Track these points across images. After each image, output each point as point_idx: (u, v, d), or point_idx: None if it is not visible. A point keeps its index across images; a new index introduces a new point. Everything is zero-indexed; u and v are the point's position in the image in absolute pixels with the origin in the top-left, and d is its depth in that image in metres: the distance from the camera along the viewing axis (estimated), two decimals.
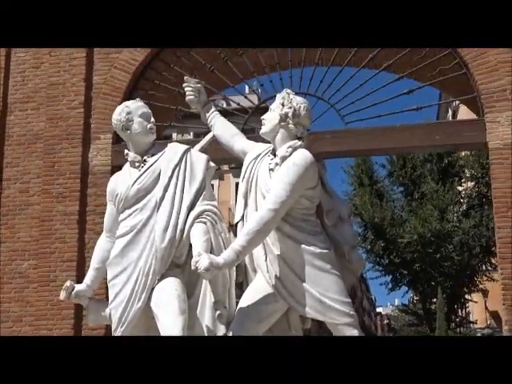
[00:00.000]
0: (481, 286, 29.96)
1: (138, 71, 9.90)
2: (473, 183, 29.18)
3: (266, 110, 5.17)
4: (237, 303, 5.01)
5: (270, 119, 5.11)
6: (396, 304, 60.53)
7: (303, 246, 4.81)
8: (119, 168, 5.64)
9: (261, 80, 10.26)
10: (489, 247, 26.53)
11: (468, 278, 29.87)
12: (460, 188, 30.56)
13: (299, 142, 4.99)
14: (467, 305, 37.04)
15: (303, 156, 4.87)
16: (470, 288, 30.94)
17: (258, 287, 4.92)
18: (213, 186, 22.29)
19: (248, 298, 4.91)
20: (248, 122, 9.35)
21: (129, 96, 9.69)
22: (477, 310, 34.73)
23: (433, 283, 30.21)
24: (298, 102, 5.09)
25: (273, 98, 5.67)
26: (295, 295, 4.80)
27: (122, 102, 9.17)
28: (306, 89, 9.34)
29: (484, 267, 29.82)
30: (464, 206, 29.90)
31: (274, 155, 5.04)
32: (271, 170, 4.99)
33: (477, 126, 8.68)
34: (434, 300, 30.15)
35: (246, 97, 9.79)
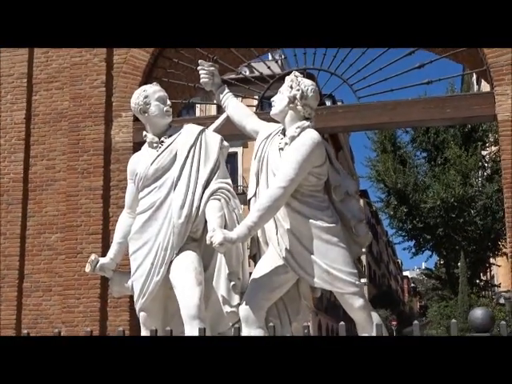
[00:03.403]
0: (504, 250, 29.86)
1: (156, 50, 9.96)
2: (497, 147, 28.82)
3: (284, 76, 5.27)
4: (250, 274, 5.28)
5: (279, 101, 5.33)
6: (422, 267, 60.41)
7: (311, 220, 5.06)
8: (140, 144, 5.85)
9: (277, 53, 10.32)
10: None
11: (492, 242, 29.72)
12: (484, 153, 30.29)
13: (307, 123, 5.20)
14: (491, 268, 36.99)
15: (311, 136, 5.09)
16: (493, 252, 30.80)
17: (270, 259, 5.18)
18: (237, 153, 22.45)
19: (260, 269, 5.18)
20: (271, 88, 9.45)
21: (148, 74, 9.85)
22: (501, 274, 34.68)
23: (456, 247, 30.23)
24: (306, 84, 5.28)
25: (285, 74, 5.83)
26: (304, 266, 5.06)
27: (141, 81, 9.60)
28: (320, 64, 9.42)
29: None
30: (488, 171, 29.72)
31: (284, 135, 5.25)
32: (281, 149, 5.22)
33: (486, 99, 8.72)
34: (458, 264, 30.18)
35: (269, 67, 9.83)
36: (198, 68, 5.77)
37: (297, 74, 5.45)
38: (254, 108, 9.75)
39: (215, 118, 6.03)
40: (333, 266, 5.03)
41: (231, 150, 6.29)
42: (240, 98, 10.91)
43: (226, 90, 5.84)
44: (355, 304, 5.05)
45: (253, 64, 10.66)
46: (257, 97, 9.99)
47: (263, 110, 9.61)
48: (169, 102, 5.62)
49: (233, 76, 10.88)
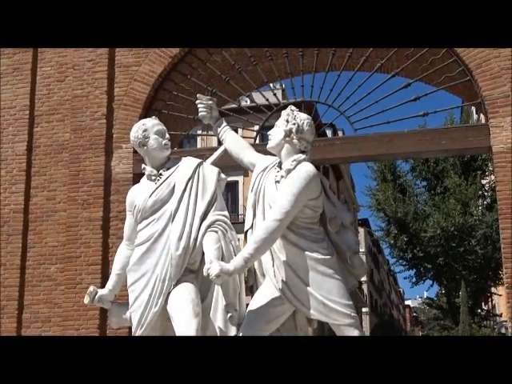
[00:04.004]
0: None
1: (156, 83, 10.13)
2: None
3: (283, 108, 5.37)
4: (247, 305, 5.30)
5: (275, 134, 5.40)
6: (424, 296, 60.11)
7: (307, 252, 5.11)
8: (140, 175, 5.90)
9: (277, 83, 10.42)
10: None
11: (492, 271, 29.62)
12: (483, 182, 30.32)
13: (303, 156, 5.27)
14: (492, 298, 36.83)
15: (306, 169, 5.16)
16: (494, 281, 30.70)
17: (267, 291, 5.21)
18: (237, 182, 22.42)
19: (257, 300, 5.22)
20: (270, 118, 9.56)
21: (148, 106, 9.98)
22: (502, 303, 34.50)
23: (457, 277, 30.15)
24: (302, 118, 5.36)
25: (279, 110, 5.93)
26: (300, 298, 5.10)
27: (142, 113, 9.73)
28: (318, 97, 9.54)
29: None
30: (488, 200, 29.73)
31: (280, 168, 5.33)
32: (277, 182, 5.28)
33: (481, 130, 8.84)
34: (459, 293, 30.07)
35: (267, 99, 9.97)
36: (197, 102, 5.85)
37: (293, 108, 5.52)
38: (253, 139, 9.85)
39: (215, 149, 6.11)
40: (328, 297, 5.06)
41: (232, 178, 6.39)
42: (240, 129, 11.09)
43: (224, 124, 5.91)
44: (351, 335, 5.08)
45: (252, 95, 10.78)
46: (256, 127, 10.10)
47: (263, 139, 9.71)
48: (167, 136, 5.69)
49: (233, 106, 11.01)
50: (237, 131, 6.23)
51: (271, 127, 5.53)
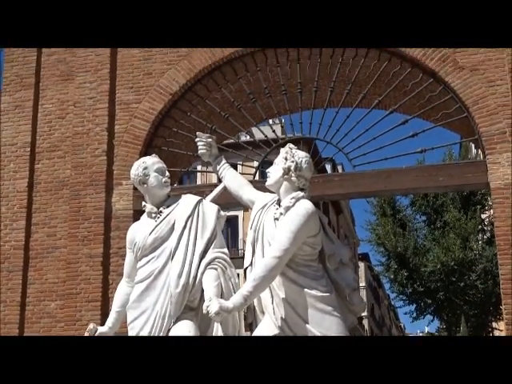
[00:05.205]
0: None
1: (157, 120, 10.24)
2: None
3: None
4: None
5: (274, 172, 5.44)
6: (426, 331, 59.77)
7: (306, 289, 5.11)
8: (140, 212, 5.95)
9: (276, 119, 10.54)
10: None
11: (493, 306, 29.47)
12: (483, 216, 30.31)
13: (301, 194, 5.30)
14: (493, 333, 36.64)
15: (305, 206, 5.19)
16: (495, 316, 30.54)
17: (266, 328, 5.19)
18: (237, 217, 22.33)
19: None
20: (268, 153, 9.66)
21: (148, 143, 10.06)
22: None
23: (457, 312, 29.99)
24: (300, 156, 5.41)
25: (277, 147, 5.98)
26: (299, 335, 5.08)
27: (142, 150, 9.81)
28: (316, 133, 9.63)
29: None
30: (488, 234, 29.69)
31: (279, 205, 5.36)
32: (276, 219, 5.30)
33: (479, 167, 8.93)
34: (459, 328, 29.90)
35: (266, 136, 10.06)
36: (196, 140, 5.91)
37: (291, 145, 5.57)
38: (252, 175, 9.91)
39: (215, 185, 6.17)
40: (328, 334, 5.05)
41: (232, 213, 6.46)
42: (239, 165, 11.16)
43: (223, 161, 5.96)
44: None
45: (252, 130, 10.88)
46: (255, 163, 10.18)
47: (262, 176, 9.77)
48: (167, 174, 5.74)
49: (232, 141, 11.10)
50: (236, 167, 6.28)
51: (270, 162, 5.58)
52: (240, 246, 31.65)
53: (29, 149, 10.56)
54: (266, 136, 10.00)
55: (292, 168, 5.32)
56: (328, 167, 31.85)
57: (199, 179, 31.86)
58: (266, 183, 5.47)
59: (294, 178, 5.33)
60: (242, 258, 5.55)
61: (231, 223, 30.88)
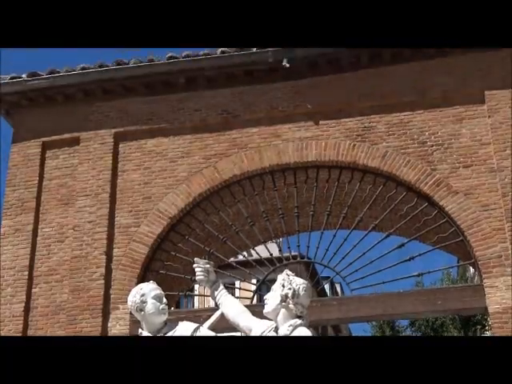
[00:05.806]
0: None
1: (155, 243, 10.29)
2: None
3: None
4: None
5: (271, 299, 5.43)
6: None
7: None
8: None
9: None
10: None
11: None
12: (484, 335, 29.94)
13: (299, 321, 5.27)
14: None
15: (303, 334, 5.17)
16: None
17: None
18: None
19: None
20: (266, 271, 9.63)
21: (147, 267, 10.07)
22: None
23: None
24: (298, 283, 5.42)
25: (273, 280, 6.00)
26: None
27: (140, 273, 9.78)
28: (314, 256, 9.69)
29: None
30: None
31: (277, 333, 5.29)
32: None
33: (477, 291, 8.93)
34: None
35: (261, 257, 10.10)
36: (194, 266, 5.94)
37: (289, 272, 5.59)
38: (250, 299, 9.88)
39: (213, 309, 6.14)
40: None
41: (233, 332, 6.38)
42: (237, 289, 11.15)
43: (221, 287, 5.96)
44: None
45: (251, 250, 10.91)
46: (253, 281, 10.17)
47: (260, 299, 9.75)
48: (165, 300, 5.75)
49: (232, 259, 11.14)
50: (234, 290, 6.29)
51: (269, 281, 5.58)
52: None
53: (26, 272, 10.52)
54: (261, 257, 10.06)
55: (289, 295, 5.31)
56: (326, 286, 31.69)
57: (197, 302, 31.59)
58: (264, 311, 5.44)
59: (291, 306, 5.30)
60: None
61: None
